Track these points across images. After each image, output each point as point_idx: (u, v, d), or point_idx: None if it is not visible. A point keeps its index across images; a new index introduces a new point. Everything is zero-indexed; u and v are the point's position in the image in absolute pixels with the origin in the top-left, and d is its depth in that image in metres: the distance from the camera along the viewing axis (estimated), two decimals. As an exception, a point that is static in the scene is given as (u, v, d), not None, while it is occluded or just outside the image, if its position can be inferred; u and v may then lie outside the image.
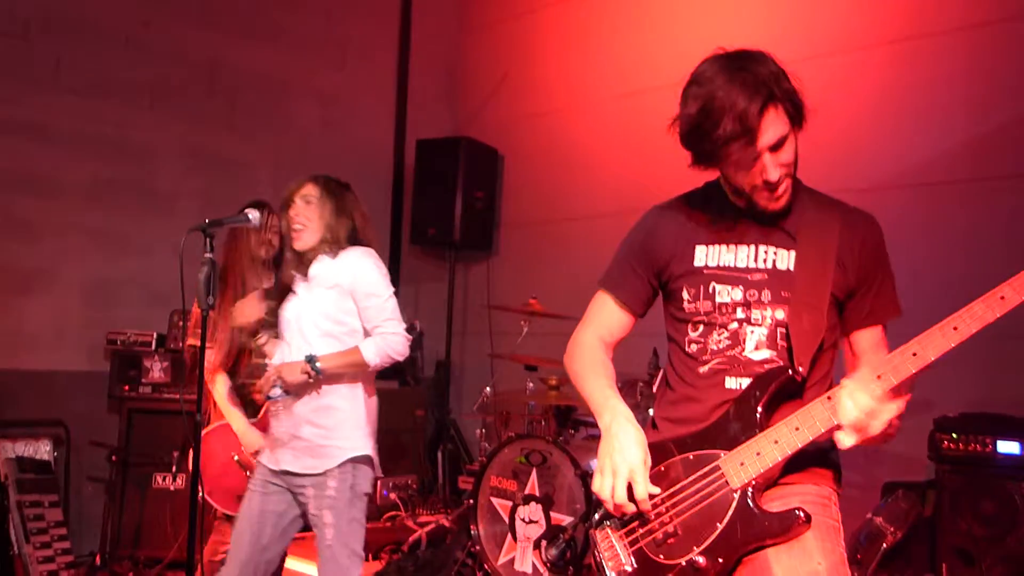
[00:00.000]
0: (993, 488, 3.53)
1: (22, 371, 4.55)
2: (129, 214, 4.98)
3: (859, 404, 1.57)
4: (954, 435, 3.66)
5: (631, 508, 1.73)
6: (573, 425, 4.40)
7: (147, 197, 5.07)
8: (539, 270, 5.95)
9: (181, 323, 4.61)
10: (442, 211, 6.04)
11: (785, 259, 1.80)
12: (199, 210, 4.96)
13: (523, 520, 3.91)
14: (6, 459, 4.28)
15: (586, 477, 3.72)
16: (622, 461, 1.73)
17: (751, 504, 1.67)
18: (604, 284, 2.03)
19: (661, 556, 1.73)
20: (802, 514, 1.64)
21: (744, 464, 1.68)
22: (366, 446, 2.83)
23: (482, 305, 5.88)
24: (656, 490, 1.75)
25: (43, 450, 4.50)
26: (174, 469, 4.52)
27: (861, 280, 1.80)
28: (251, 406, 3.32)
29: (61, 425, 4.60)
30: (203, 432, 3.48)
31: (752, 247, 1.83)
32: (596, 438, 4.44)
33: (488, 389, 4.55)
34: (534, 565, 3.83)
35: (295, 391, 2.75)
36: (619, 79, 5.68)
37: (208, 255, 2.66)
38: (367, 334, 2.83)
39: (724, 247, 1.85)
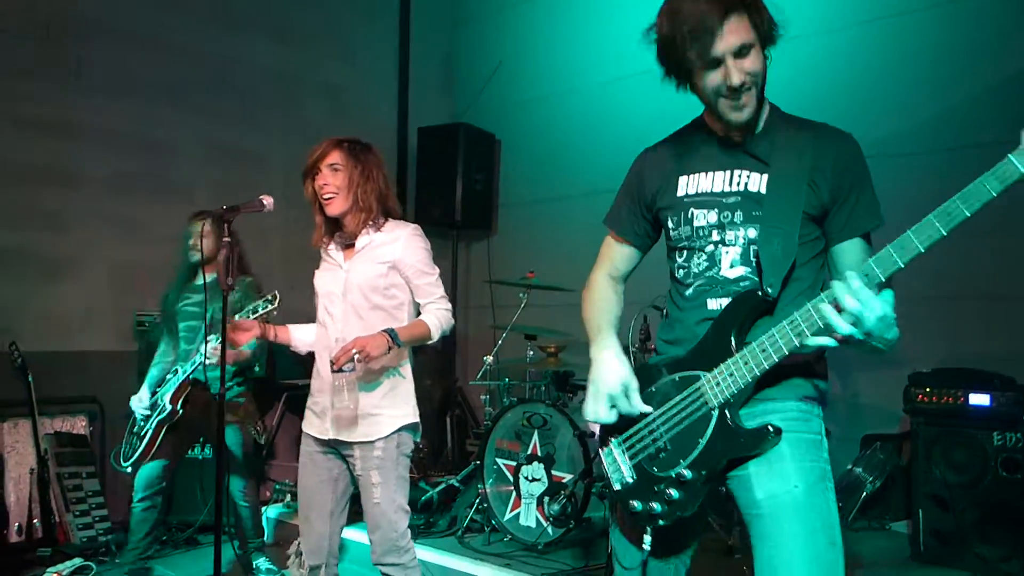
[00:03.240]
0: (965, 438, 3.55)
1: (57, 352, 4.56)
2: (151, 204, 4.97)
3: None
4: (928, 389, 3.67)
5: (609, 420, 1.84)
6: (571, 389, 4.42)
7: (167, 187, 5.06)
8: (535, 246, 5.96)
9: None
10: (444, 193, 6.05)
11: (757, 181, 1.78)
12: (216, 199, 4.93)
13: (527, 478, 3.94)
14: (45, 435, 4.31)
15: (584, 437, 3.74)
16: (602, 384, 1.84)
17: (728, 421, 1.69)
18: (605, 222, 2.08)
19: (655, 469, 1.78)
20: (772, 429, 1.66)
21: (720, 384, 1.70)
22: (415, 414, 2.80)
23: (483, 280, 5.88)
24: (648, 409, 1.80)
25: (79, 425, 4.54)
26: (201, 440, 4.53)
27: (835, 196, 1.74)
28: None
29: (95, 402, 4.63)
30: None
31: (727, 172, 1.82)
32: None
33: (491, 358, 4.55)
34: (538, 519, 3.87)
35: (370, 364, 2.64)
36: (605, 65, 5.67)
37: (226, 239, 2.66)
38: (417, 308, 2.83)
39: (703, 175, 1.85)
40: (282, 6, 5.75)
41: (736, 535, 3.62)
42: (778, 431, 1.66)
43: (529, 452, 3.96)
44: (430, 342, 2.81)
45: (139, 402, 3.67)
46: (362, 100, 6.26)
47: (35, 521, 4.18)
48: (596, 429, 1.93)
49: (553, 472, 3.86)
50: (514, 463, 4.00)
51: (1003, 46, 4.14)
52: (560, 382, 4.38)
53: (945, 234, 1.44)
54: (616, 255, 2.05)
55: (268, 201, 2.73)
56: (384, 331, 2.63)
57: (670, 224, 1.89)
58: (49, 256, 4.61)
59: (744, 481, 1.72)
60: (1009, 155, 1.38)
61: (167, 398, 3.58)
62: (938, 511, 3.58)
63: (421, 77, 6.65)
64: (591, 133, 5.72)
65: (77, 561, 3.88)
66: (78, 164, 4.73)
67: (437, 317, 2.78)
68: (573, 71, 5.95)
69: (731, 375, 1.69)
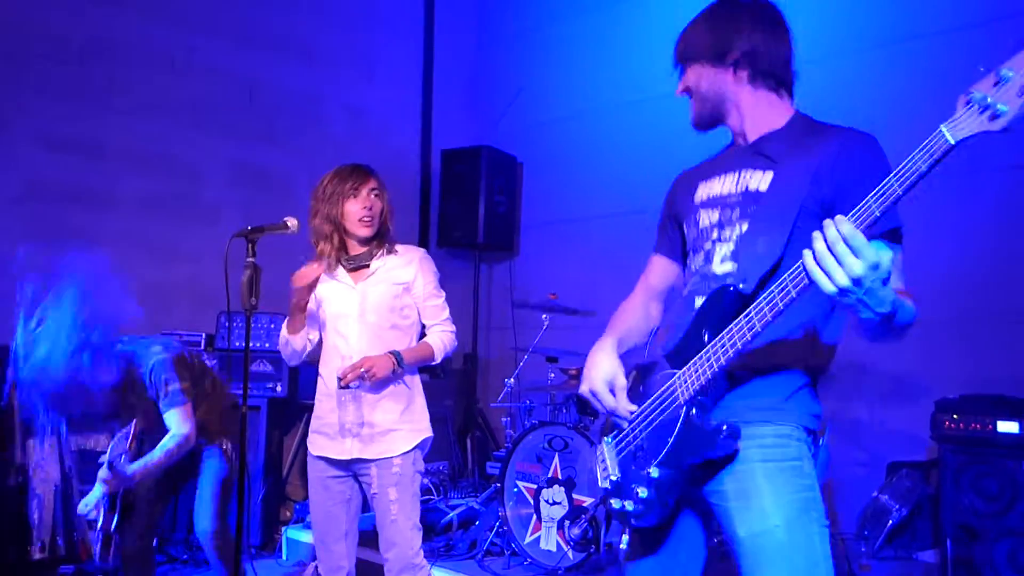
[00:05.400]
0: (995, 466, 3.48)
1: (82, 370, 4.59)
2: (177, 224, 5.03)
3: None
4: (955, 416, 3.61)
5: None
6: (593, 412, 4.39)
7: (193, 208, 5.13)
8: (558, 268, 5.95)
9: (228, 324, 4.65)
10: (466, 215, 6.07)
11: (759, 180, 1.76)
12: (241, 219, 4.98)
13: (547, 502, 3.91)
14: (70, 452, 4.34)
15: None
16: (585, 381, 1.84)
17: (694, 419, 1.67)
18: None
19: (634, 466, 1.77)
20: (726, 428, 1.63)
21: (687, 381, 1.68)
22: (429, 429, 2.89)
23: (505, 302, 5.88)
24: (631, 407, 1.79)
25: (103, 443, 4.54)
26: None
27: (841, 191, 1.61)
28: None
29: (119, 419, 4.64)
30: None
31: (735, 173, 1.83)
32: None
33: (512, 380, 4.54)
34: (558, 544, 3.83)
35: (376, 383, 2.75)
36: (628, 87, 5.67)
37: (250, 259, 2.68)
38: (423, 329, 2.93)
39: (717, 179, 1.87)
40: (307, 28, 5.83)
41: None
42: (734, 431, 1.63)
43: (550, 475, 3.94)
44: (433, 363, 2.94)
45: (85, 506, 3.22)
46: (386, 121, 6.32)
47: (58, 539, 4.21)
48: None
49: (574, 496, 3.83)
50: (535, 486, 3.98)
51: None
52: (582, 405, 4.35)
53: (879, 215, 1.38)
54: (653, 269, 2.06)
55: (293, 223, 2.77)
56: (390, 353, 2.74)
57: (686, 230, 1.91)
58: (78, 275, 4.67)
59: (725, 513, 1.70)
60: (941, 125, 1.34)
61: (98, 513, 3.23)
62: (967, 540, 3.51)
63: (445, 99, 6.70)
64: (614, 154, 5.72)
65: (98, 579, 3.90)
66: (107, 184, 4.80)
67: (442, 340, 2.91)
68: (596, 92, 5.96)
69: (696, 371, 1.66)
